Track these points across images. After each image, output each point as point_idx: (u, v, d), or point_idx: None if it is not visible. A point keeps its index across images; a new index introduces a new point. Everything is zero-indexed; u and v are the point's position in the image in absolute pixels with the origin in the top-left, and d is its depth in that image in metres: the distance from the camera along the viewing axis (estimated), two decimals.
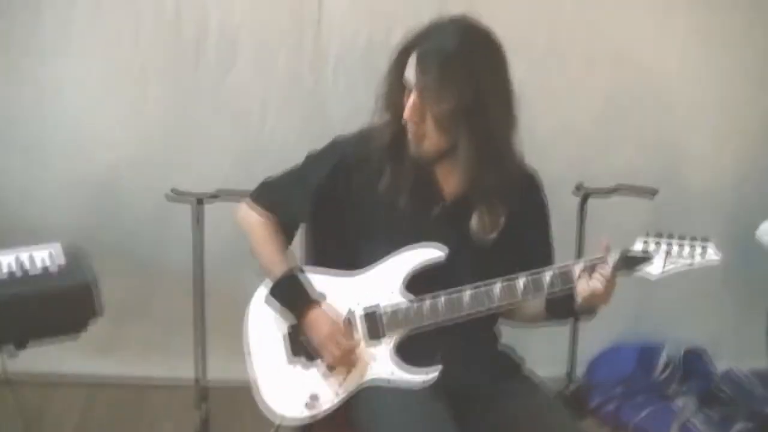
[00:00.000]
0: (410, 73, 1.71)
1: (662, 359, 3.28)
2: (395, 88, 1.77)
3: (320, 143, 1.93)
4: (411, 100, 1.72)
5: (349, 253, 1.90)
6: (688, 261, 1.65)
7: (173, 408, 2.83)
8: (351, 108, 2.73)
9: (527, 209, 1.91)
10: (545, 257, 1.97)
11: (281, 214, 1.96)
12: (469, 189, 1.83)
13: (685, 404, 3.12)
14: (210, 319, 2.65)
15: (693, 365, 3.30)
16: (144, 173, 2.89)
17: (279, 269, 1.86)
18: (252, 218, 1.97)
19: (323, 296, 1.84)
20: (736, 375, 3.29)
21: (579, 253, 2.74)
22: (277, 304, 1.86)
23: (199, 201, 2.54)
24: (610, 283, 1.68)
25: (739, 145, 3.26)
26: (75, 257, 1.84)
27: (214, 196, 2.56)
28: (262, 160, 2.70)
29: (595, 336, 3.16)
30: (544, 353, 2.51)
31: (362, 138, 1.88)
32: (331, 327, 1.80)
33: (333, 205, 1.89)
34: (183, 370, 2.77)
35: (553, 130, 3.02)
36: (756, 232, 2.43)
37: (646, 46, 3.08)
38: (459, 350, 1.83)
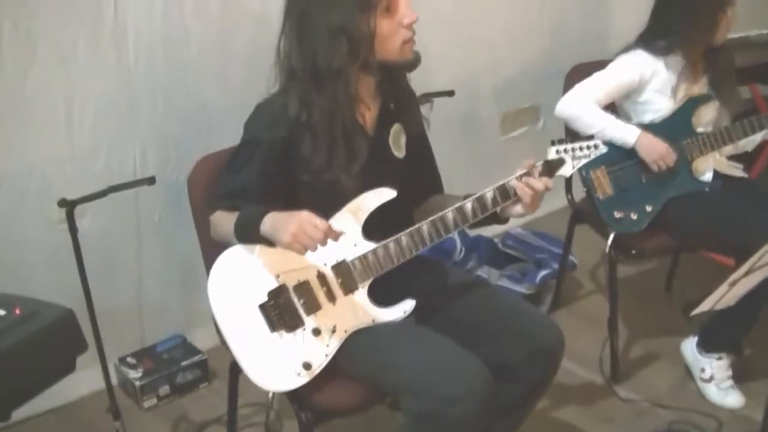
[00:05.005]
0: None
1: (458, 243, 3.53)
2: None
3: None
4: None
5: None
6: (587, 156, 1.93)
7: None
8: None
9: (419, 123, 2.12)
10: (436, 170, 2.21)
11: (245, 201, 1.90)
12: (380, 113, 2.00)
13: (488, 273, 3.47)
14: None
15: (470, 238, 3.59)
16: None
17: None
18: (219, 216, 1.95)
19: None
20: (512, 235, 3.71)
21: None
22: (246, 238, 1.86)
23: None
24: (537, 192, 1.87)
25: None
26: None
27: None
28: None
29: None
30: None
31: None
32: (294, 219, 1.76)
33: (283, 170, 1.90)
34: None
35: None
36: (556, 110, 2.76)
37: None
38: (408, 278, 1.98)
